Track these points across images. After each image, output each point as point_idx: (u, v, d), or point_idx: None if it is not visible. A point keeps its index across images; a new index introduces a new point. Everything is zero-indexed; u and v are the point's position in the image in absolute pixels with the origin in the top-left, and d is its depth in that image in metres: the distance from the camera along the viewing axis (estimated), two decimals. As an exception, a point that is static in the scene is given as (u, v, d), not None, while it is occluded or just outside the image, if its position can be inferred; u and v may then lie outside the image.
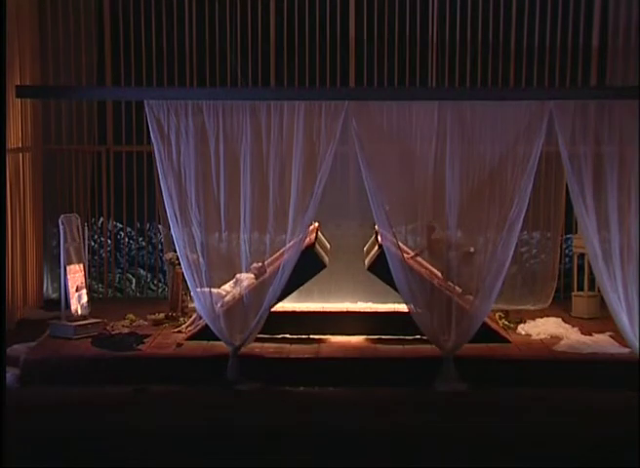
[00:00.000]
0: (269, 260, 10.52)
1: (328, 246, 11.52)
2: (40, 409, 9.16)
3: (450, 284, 10.07)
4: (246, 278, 10.36)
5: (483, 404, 9.36)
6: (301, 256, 10.28)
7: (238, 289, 10.29)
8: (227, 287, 10.47)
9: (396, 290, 10.35)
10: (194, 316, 11.00)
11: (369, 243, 11.40)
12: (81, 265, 11.10)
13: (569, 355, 10.20)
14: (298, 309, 11.25)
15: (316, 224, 11.57)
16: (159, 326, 11.39)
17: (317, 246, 10.84)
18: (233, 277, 10.42)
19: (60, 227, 10.91)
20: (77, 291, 10.99)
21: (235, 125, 10.02)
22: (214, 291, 10.15)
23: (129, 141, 13.37)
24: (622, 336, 9.88)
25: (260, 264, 10.44)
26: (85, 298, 11.12)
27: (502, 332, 10.80)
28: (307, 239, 10.77)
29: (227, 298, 10.33)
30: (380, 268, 10.53)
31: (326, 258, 10.97)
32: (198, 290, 10.01)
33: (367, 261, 10.97)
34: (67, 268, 10.87)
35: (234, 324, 10.05)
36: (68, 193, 13.34)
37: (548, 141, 10.31)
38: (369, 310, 11.48)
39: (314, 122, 9.97)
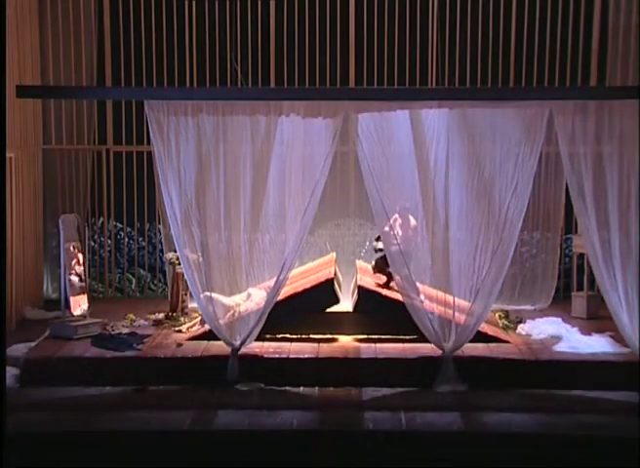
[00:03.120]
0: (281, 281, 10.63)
1: (341, 279, 11.58)
2: (40, 409, 9.16)
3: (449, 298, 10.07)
4: (257, 294, 10.31)
5: (482, 404, 9.36)
6: (319, 288, 10.57)
7: (250, 304, 10.22)
8: (238, 299, 10.37)
9: (384, 323, 10.58)
10: (198, 319, 10.99)
11: (353, 282, 11.49)
12: (84, 295, 11.12)
13: (568, 355, 10.19)
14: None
15: (334, 255, 11.62)
16: (159, 326, 11.39)
17: (335, 282, 10.92)
18: (235, 279, 10.36)
19: (61, 227, 10.91)
20: (79, 306, 11.04)
21: (235, 125, 10.02)
22: (223, 301, 10.13)
23: (129, 141, 13.37)
24: (622, 336, 9.87)
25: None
26: (86, 305, 11.14)
27: (501, 336, 10.77)
28: (327, 272, 11.00)
29: (239, 309, 10.28)
30: (362, 308, 10.75)
31: (340, 295, 11.00)
32: (202, 295, 9.97)
33: (352, 302, 11.01)
34: (71, 299, 10.90)
35: (235, 327, 10.06)
36: (68, 193, 13.34)
37: (548, 141, 10.32)
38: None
39: (314, 122, 9.97)
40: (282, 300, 10.57)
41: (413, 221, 10.43)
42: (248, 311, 10.10)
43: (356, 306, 10.87)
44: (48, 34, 13.08)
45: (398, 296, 10.52)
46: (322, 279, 10.92)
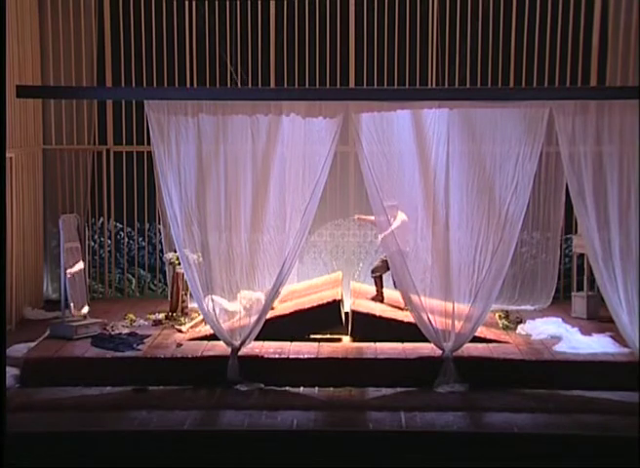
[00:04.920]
0: (285, 296, 10.76)
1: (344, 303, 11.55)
2: (40, 409, 9.16)
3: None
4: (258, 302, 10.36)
5: (482, 404, 9.36)
6: (324, 309, 10.61)
7: (251, 314, 10.25)
8: (240, 306, 10.39)
9: (379, 340, 10.48)
10: (200, 318, 10.97)
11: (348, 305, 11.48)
12: (86, 307, 11.13)
13: (568, 355, 10.19)
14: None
15: (340, 275, 11.58)
16: (159, 326, 11.39)
17: (341, 304, 10.89)
18: (236, 279, 10.34)
19: (61, 227, 10.91)
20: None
21: (235, 125, 10.02)
22: (227, 306, 10.14)
23: (129, 141, 13.37)
24: (622, 336, 9.87)
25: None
26: (86, 310, 11.17)
27: (501, 339, 10.75)
28: (335, 292, 11.03)
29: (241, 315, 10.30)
30: (358, 333, 10.70)
31: (343, 318, 10.94)
32: (208, 298, 9.96)
33: (349, 327, 10.96)
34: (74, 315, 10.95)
35: (235, 329, 10.07)
36: (68, 193, 13.34)
37: (548, 141, 10.33)
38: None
39: (314, 122, 9.97)
40: (286, 315, 10.63)
41: (402, 218, 10.44)
42: (250, 318, 10.11)
43: (352, 331, 10.80)
44: (48, 34, 13.08)
45: (392, 315, 10.60)
46: (329, 299, 10.87)
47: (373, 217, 11.40)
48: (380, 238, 10.90)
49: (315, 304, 10.83)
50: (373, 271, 11.46)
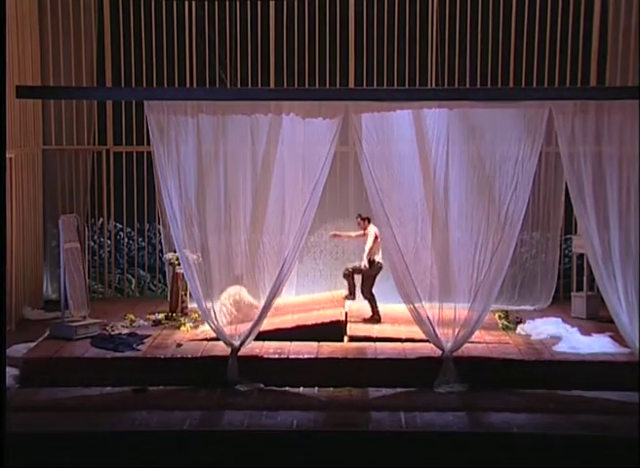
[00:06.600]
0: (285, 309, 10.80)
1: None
2: (40, 409, 9.16)
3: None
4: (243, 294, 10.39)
5: (482, 404, 9.36)
6: (327, 328, 10.56)
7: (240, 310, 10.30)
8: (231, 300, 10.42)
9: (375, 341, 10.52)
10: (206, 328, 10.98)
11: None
12: (87, 310, 11.14)
13: (568, 355, 10.19)
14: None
15: (343, 293, 11.61)
16: (159, 326, 11.39)
17: (343, 325, 10.82)
18: (236, 279, 10.39)
19: (60, 227, 10.91)
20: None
21: (235, 125, 10.02)
22: (223, 307, 10.16)
23: (129, 141, 13.37)
24: (622, 336, 9.87)
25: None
26: (86, 310, 11.17)
27: (500, 341, 10.74)
28: (339, 312, 10.97)
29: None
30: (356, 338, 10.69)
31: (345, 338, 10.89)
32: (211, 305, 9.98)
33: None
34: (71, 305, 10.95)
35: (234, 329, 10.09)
36: (68, 193, 13.34)
37: (548, 141, 10.33)
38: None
39: (314, 122, 9.97)
40: (288, 329, 10.61)
41: (374, 231, 10.82)
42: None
43: (351, 340, 10.74)
44: (48, 34, 13.09)
45: (390, 333, 10.68)
46: (332, 318, 10.84)
47: (349, 233, 11.59)
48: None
49: (319, 322, 10.78)
50: (361, 293, 11.48)
